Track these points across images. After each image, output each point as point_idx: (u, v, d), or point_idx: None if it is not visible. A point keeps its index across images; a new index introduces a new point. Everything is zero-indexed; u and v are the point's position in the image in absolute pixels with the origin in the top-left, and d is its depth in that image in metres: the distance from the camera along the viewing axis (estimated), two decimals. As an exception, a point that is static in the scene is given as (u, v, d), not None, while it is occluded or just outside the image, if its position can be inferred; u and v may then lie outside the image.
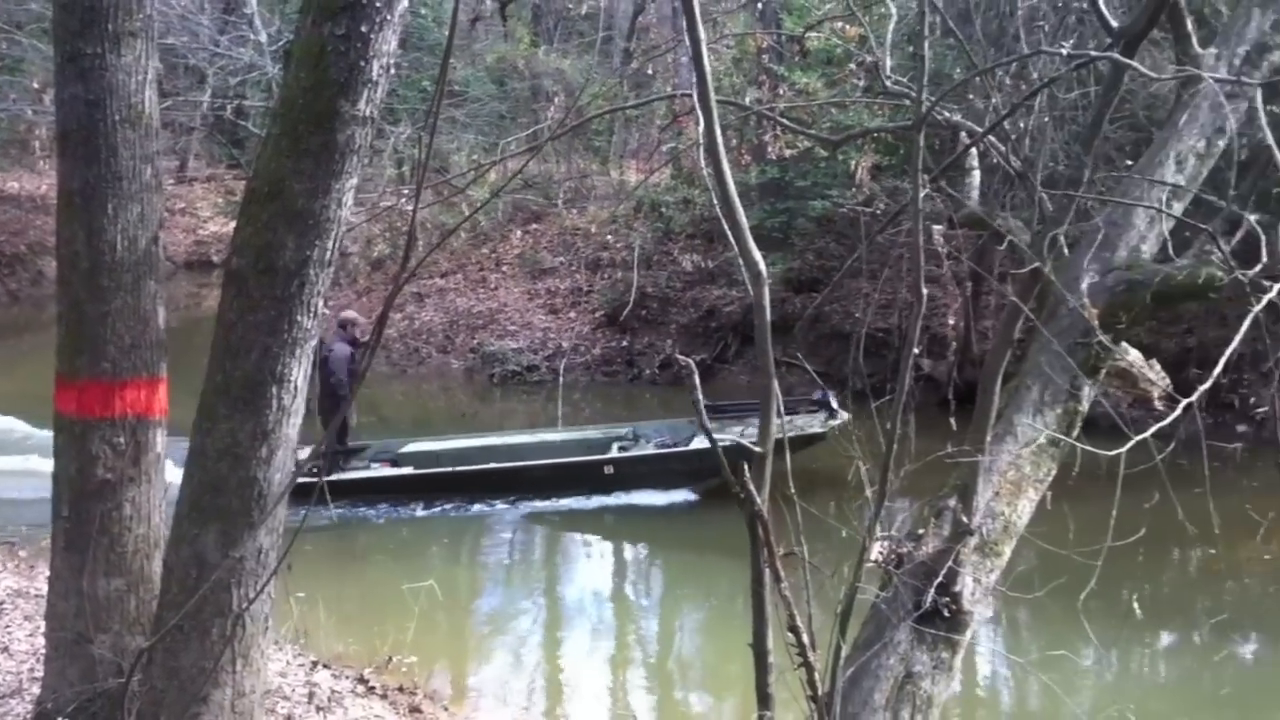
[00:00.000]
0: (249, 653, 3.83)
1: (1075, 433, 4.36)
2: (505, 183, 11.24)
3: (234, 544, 3.63)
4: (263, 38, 18.06)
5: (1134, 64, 3.24)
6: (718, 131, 2.92)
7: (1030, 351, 4.42)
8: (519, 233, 19.89)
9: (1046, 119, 5.26)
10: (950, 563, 3.51)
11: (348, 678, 6.12)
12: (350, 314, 11.89)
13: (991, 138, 4.47)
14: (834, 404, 11.30)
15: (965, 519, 3.58)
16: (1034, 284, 3.74)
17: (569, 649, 8.41)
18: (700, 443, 11.05)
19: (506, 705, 7.10)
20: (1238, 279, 3.04)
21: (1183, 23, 4.68)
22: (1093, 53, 3.33)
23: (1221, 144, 4.89)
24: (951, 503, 3.73)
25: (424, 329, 18.02)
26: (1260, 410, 11.52)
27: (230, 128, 23.17)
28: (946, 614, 3.53)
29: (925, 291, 3.08)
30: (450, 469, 11.34)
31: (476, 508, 11.17)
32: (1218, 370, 2.47)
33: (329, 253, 3.69)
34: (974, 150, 4.94)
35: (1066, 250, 4.80)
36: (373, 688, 6.06)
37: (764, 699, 2.93)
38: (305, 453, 11.58)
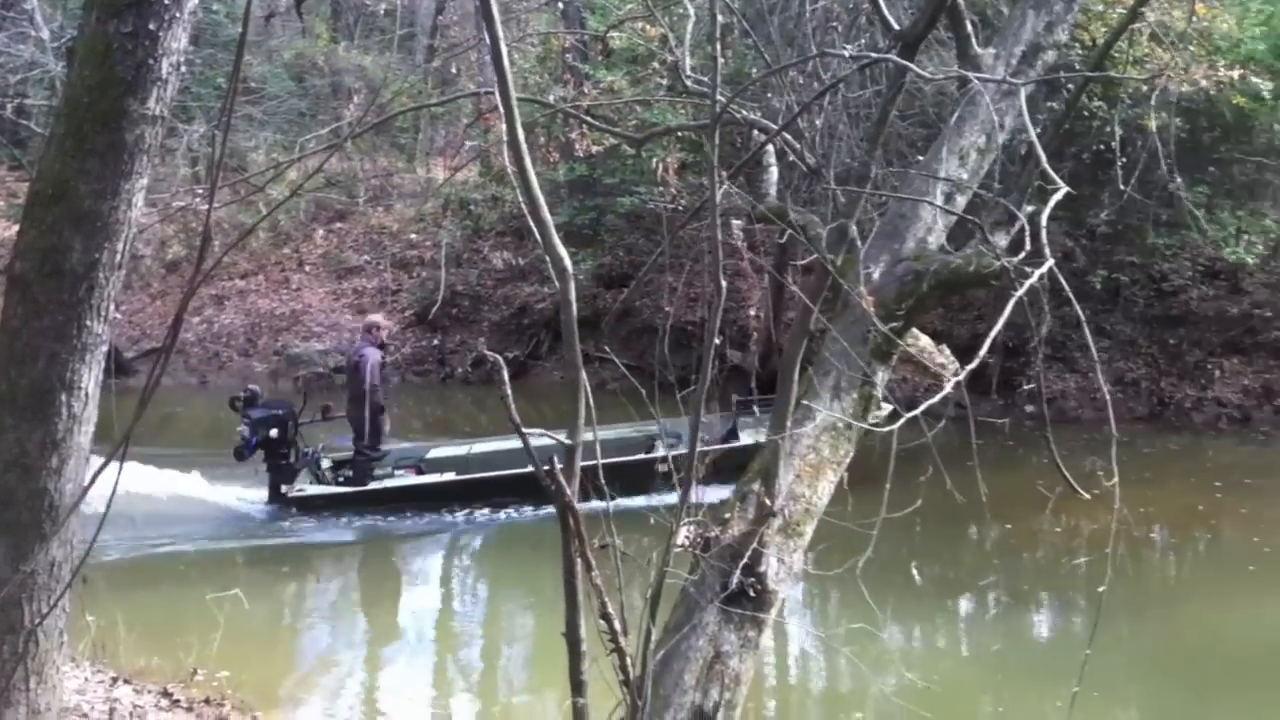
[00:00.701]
0: (43, 670, 3.70)
1: (870, 416, 4.62)
2: (304, 180, 10.99)
3: (24, 558, 3.50)
4: (44, 34, 17.13)
5: (909, 65, 3.47)
6: (519, 129, 2.98)
7: (827, 340, 4.65)
8: (322, 232, 19.48)
9: (843, 117, 5.51)
10: (755, 544, 3.68)
11: (151, 692, 5.93)
12: (375, 317, 11.65)
13: (787, 135, 4.68)
14: None
15: (768, 502, 3.75)
16: (828, 275, 3.94)
17: (392, 654, 8.32)
18: (749, 437, 10.62)
19: (322, 712, 6.99)
20: (1004, 266, 3.27)
21: (962, 24, 5.00)
22: (872, 54, 3.54)
23: (1001, 139, 5.26)
24: (755, 486, 3.91)
25: (224, 332, 17.47)
26: (1028, 388, 12.27)
27: (11, 128, 21.87)
28: (752, 594, 3.70)
29: (725, 284, 3.21)
30: (496, 473, 10.77)
31: (505, 514, 10.72)
32: (983, 351, 2.69)
33: (119, 255, 3.61)
34: (771, 147, 5.14)
35: (860, 242, 5.08)
36: (177, 701, 5.89)
37: (577, 686, 3.01)
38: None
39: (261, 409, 10.59)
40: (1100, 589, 7.98)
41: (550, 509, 8.23)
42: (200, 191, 14.95)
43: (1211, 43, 12.11)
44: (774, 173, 5.01)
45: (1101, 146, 12.38)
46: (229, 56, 18.66)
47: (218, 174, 3.20)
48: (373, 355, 10.72)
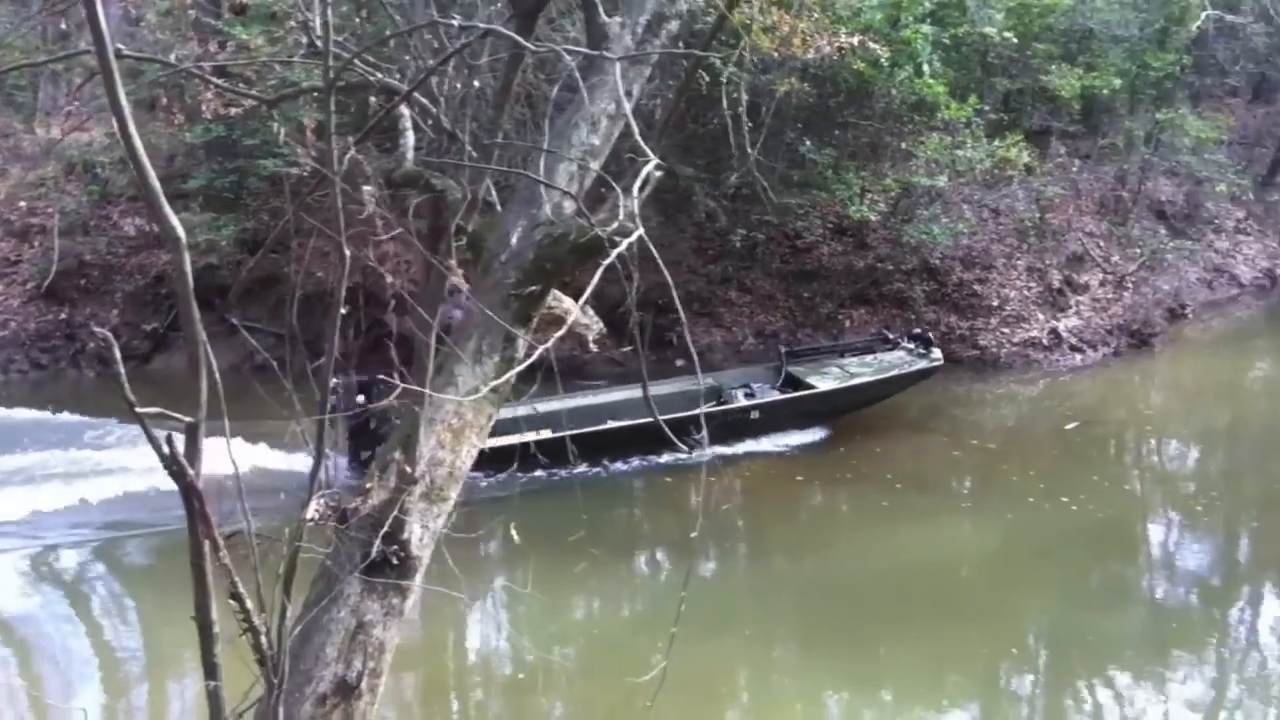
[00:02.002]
0: None
1: (512, 379, 4.75)
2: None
3: None
4: None
5: (514, 35, 3.54)
6: (119, 89, 2.84)
7: (468, 304, 4.72)
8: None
9: (475, 83, 5.56)
10: (396, 512, 3.72)
11: None
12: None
13: (421, 98, 4.69)
14: (931, 339, 13.29)
15: (409, 469, 3.79)
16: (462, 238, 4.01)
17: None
18: (831, 383, 12.46)
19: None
20: (598, 235, 3.46)
21: (586, -7, 5.18)
22: (480, 25, 3.62)
23: (629, 106, 5.49)
24: (396, 454, 3.94)
25: None
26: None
27: None
28: (395, 562, 3.75)
29: (355, 251, 3.21)
30: (614, 425, 11.40)
31: (617, 466, 11.41)
32: (575, 310, 2.83)
33: None
34: (407, 111, 5.13)
35: (500, 207, 5.19)
36: None
37: (210, 669, 2.96)
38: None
39: (348, 376, 10.56)
40: (692, 534, 8.58)
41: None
42: None
43: (834, 12, 13.09)
44: (410, 138, 5.01)
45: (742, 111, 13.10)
46: None
47: None
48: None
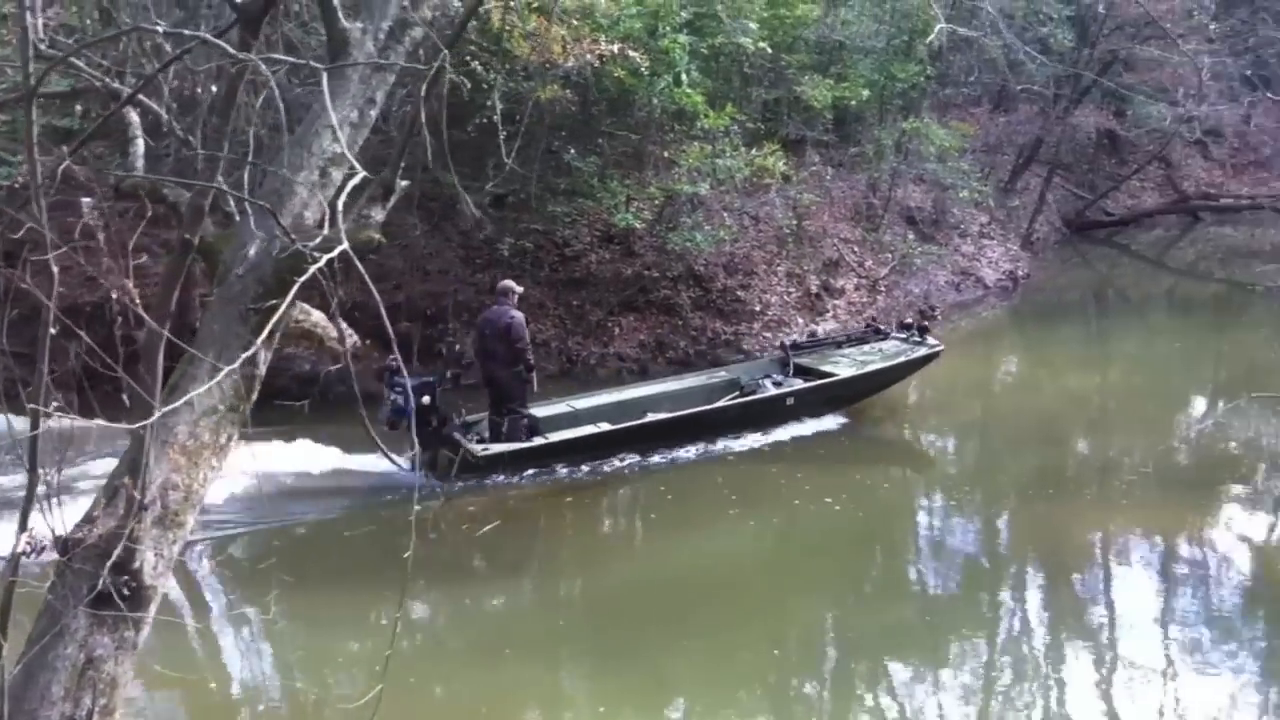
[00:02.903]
0: None
1: (255, 396, 4.64)
2: None
3: None
4: None
5: (223, 44, 3.44)
6: None
7: (204, 319, 4.59)
8: None
9: (214, 89, 5.43)
10: (125, 541, 3.58)
11: None
12: (509, 282, 11.81)
13: (151, 103, 4.55)
14: (926, 327, 14.55)
15: (138, 495, 3.66)
16: (190, 250, 3.90)
17: None
18: (850, 370, 13.31)
19: None
20: (299, 249, 3.45)
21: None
22: (185, 33, 3.54)
23: (374, 114, 5.45)
24: (124, 479, 3.79)
25: None
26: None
27: None
28: (126, 593, 3.61)
29: (56, 269, 3.09)
30: (651, 419, 12.08)
31: (655, 458, 11.75)
32: (275, 319, 2.82)
33: None
34: (136, 119, 4.96)
35: (239, 218, 5.06)
36: None
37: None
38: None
39: (413, 377, 10.88)
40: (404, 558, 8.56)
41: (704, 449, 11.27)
42: None
43: (594, 20, 13.32)
44: (140, 145, 4.84)
45: (504, 118, 13.16)
46: None
47: None
48: (519, 316, 11.33)
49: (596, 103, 14.67)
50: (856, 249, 18.14)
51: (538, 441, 11.45)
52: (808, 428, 12.70)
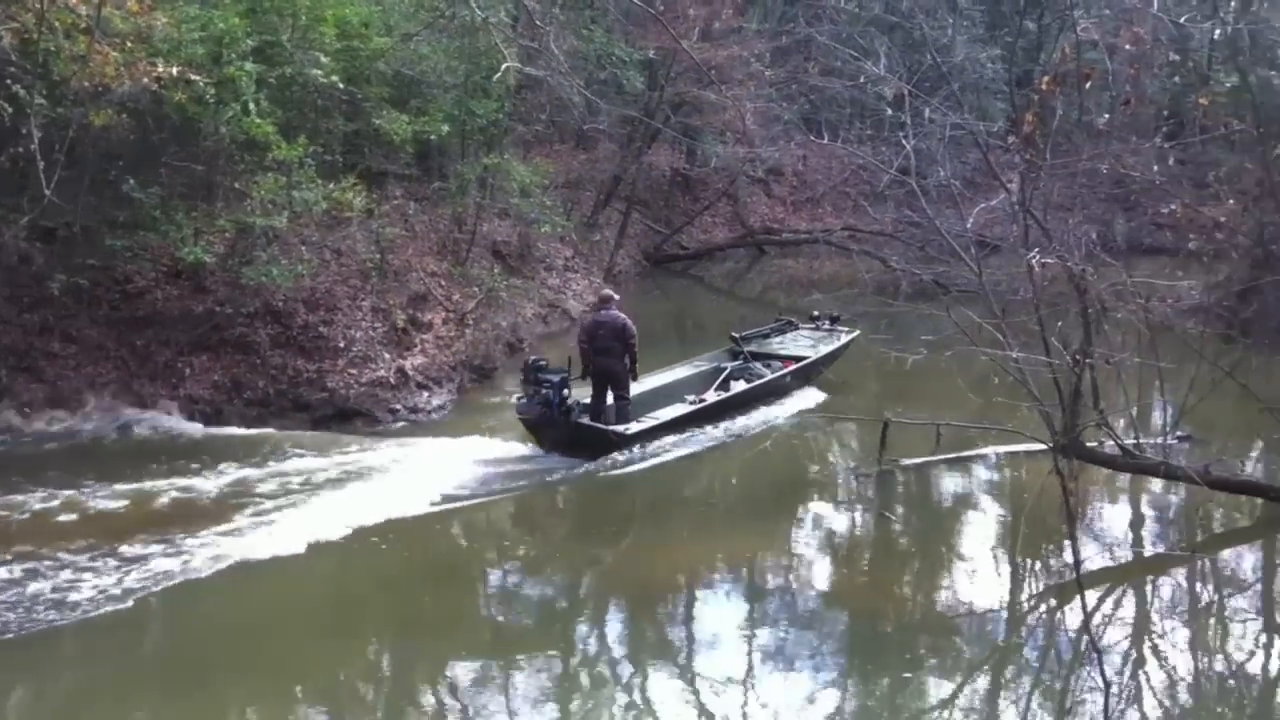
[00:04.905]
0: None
1: None
2: None
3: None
4: None
5: None
6: None
7: None
8: None
9: None
10: None
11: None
12: (609, 290, 14.47)
13: None
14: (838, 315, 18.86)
15: None
16: None
17: None
18: (816, 351, 17.45)
19: None
20: None
21: None
22: None
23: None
24: None
25: None
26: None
27: None
28: None
29: None
30: (722, 396, 15.26)
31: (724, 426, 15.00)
32: None
33: None
34: None
35: None
36: None
37: None
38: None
39: (553, 372, 13.48)
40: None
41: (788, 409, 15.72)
42: None
43: (153, 43, 12.72)
44: None
45: (49, 145, 12.30)
46: None
47: None
48: (627, 317, 13.85)
49: (158, 130, 14.00)
50: (444, 283, 18.37)
51: (662, 419, 14.35)
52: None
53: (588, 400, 13.94)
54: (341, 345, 15.62)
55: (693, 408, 14.74)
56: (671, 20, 22.78)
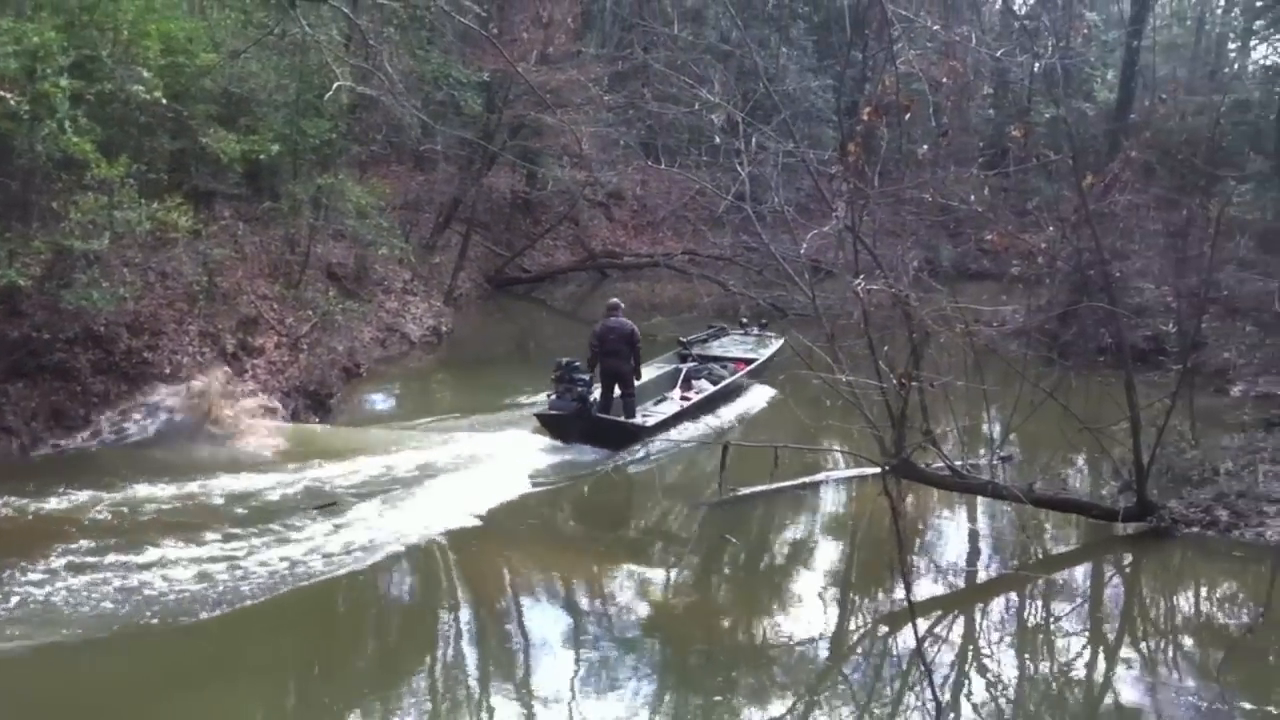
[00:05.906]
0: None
1: None
2: None
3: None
4: None
5: None
6: None
7: None
8: None
9: None
10: None
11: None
12: (616, 299, 16.18)
13: None
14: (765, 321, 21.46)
15: None
16: None
17: None
18: (761, 355, 19.53)
19: None
20: None
21: None
22: None
23: None
24: None
25: None
26: None
27: None
28: None
29: None
30: (714, 390, 17.38)
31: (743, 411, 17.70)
32: None
33: None
34: None
35: None
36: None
37: None
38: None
39: (583, 373, 15.10)
40: None
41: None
42: None
43: (-38, 59, 12.22)
44: None
45: None
46: None
47: None
48: (633, 324, 15.63)
49: (-33, 148, 13.42)
50: (276, 306, 18.02)
51: (671, 412, 16.20)
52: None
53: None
54: (168, 371, 15.18)
55: (689, 403, 16.72)
56: (507, 43, 22.89)
